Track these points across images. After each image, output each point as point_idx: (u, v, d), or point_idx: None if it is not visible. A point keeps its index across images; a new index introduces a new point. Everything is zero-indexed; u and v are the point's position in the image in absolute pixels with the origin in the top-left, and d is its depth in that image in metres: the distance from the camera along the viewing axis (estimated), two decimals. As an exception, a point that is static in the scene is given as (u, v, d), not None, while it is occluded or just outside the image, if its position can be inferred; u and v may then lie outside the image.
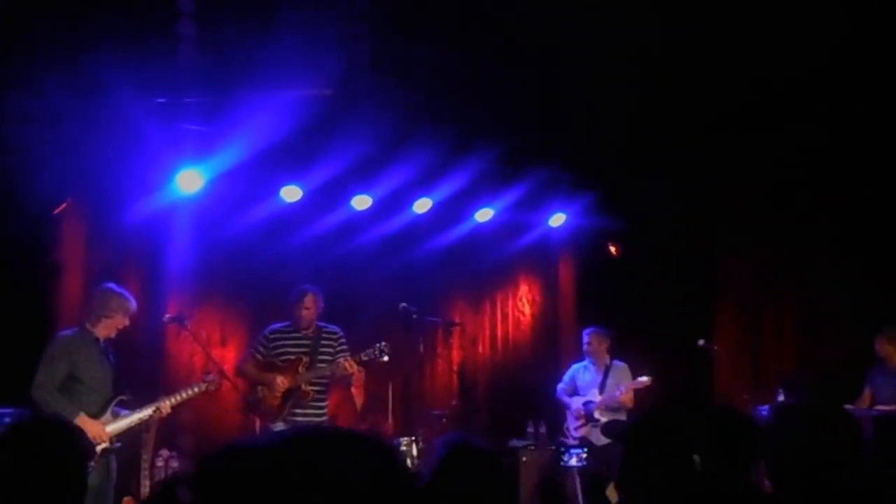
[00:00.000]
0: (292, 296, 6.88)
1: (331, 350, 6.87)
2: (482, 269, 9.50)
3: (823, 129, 8.71)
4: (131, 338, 6.29)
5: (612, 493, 7.00)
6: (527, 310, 10.04)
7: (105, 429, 5.74)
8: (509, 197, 9.04)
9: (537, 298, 10.10)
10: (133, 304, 6.01)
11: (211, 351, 7.14)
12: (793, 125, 8.79)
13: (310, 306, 6.83)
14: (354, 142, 7.66)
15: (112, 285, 6.05)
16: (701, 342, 8.67)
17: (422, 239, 8.91)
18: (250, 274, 7.99)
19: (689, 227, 9.85)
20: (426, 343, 8.30)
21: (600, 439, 8.02)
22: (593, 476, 7.58)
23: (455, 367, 9.09)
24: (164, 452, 6.70)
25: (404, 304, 7.67)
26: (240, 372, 6.99)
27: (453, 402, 8.56)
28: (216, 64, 6.58)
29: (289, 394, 6.70)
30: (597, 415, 8.12)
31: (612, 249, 10.03)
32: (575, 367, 8.50)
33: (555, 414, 8.59)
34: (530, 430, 8.49)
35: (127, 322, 5.98)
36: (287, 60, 6.45)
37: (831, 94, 8.26)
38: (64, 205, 7.04)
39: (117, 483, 5.89)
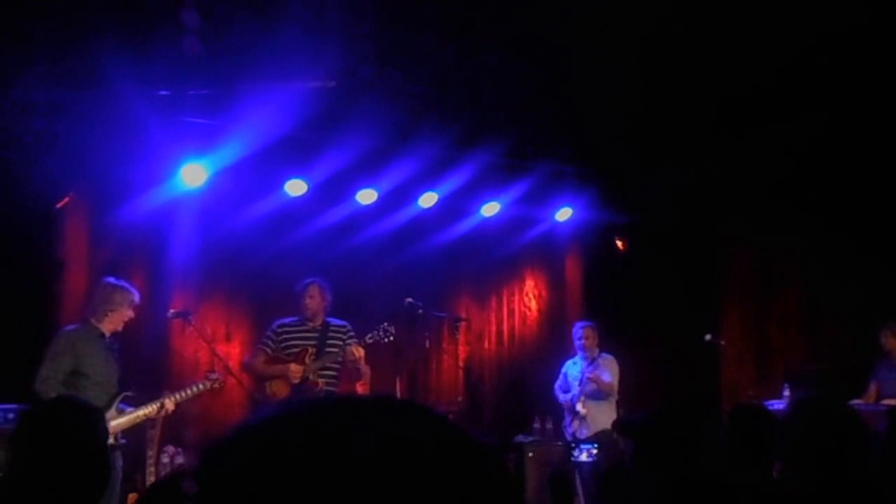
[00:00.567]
0: (297, 288, 6.93)
1: (339, 343, 6.89)
2: (488, 263, 9.44)
3: (830, 120, 8.64)
4: (136, 333, 6.27)
5: None
6: (533, 305, 9.98)
7: (110, 424, 5.70)
8: (515, 191, 8.97)
9: (543, 293, 10.05)
10: (136, 296, 6.00)
11: (216, 346, 7.12)
12: (799, 116, 8.72)
13: (313, 296, 6.86)
14: (359, 135, 7.60)
15: (112, 279, 6.03)
16: (707, 337, 8.68)
17: (427, 234, 8.86)
18: (255, 269, 7.95)
19: (695, 222, 9.80)
20: (432, 338, 8.27)
21: (585, 434, 8.05)
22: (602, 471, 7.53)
23: (461, 363, 9.02)
24: (170, 448, 6.66)
25: (410, 300, 7.65)
26: (247, 368, 6.98)
27: (459, 398, 8.52)
28: (220, 56, 6.53)
29: (298, 388, 6.69)
30: (578, 407, 8.11)
31: (619, 244, 9.98)
32: (567, 363, 8.53)
33: (559, 410, 8.57)
34: (536, 425, 8.45)
35: (132, 314, 5.97)
36: (291, 52, 6.39)
37: (837, 84, 8.19)
38: (66, 199, 7.00)
39: (122, 479, 5.85)
